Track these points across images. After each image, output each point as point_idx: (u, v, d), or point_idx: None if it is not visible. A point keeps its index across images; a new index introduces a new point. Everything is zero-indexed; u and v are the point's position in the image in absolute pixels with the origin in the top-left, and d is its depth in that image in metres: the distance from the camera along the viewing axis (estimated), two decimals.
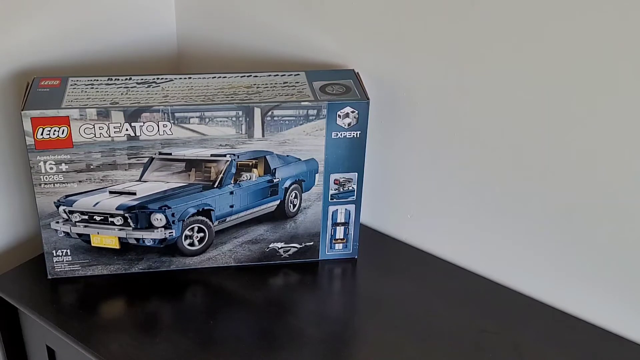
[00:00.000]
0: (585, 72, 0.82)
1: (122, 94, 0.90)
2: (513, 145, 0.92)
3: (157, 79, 0.94)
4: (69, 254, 0.95)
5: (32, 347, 1.02)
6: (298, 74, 0.97)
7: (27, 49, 1.00)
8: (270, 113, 0.90)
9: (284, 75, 0.97)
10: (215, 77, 0.95)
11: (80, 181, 0.90)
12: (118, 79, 0.93)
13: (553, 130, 0.87)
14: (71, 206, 0.92)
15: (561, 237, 0.93)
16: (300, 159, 0.94)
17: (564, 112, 0.86)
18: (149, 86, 0.92)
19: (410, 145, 1.01)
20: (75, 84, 0.91)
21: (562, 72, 0.84)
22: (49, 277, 0.96)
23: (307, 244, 1.01)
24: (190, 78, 0.95)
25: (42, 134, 0.86)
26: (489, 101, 0.91)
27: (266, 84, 0.94)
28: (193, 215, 0.94)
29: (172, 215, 0.93)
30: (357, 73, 0.98)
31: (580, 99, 0.84)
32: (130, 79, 0.93)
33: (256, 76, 0.96)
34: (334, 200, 0.98)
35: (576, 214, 0.90)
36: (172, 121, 0.88)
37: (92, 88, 0.91)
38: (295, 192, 0.97)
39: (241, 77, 0.96)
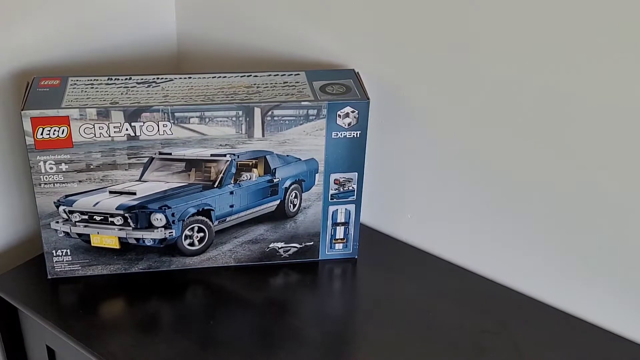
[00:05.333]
0: (585, 73, 0.82)
1: (122, 93, 0.90)
2: (513, 145, 0.92)
3: (157, 78, 0.94)
4: (69, 254, 0.95)
5: (32, 347, 1.02)
6: (298, 74, 0.97)
7: (27, 48, 1.00)
8: (270, 113, 0.90)
9: (284, 75, 0.96)
10: (215, 77, 0.95)
11: (80, 181, 0.90)
12: (118, 79, 0.93)
13: (553, 131, 0.87)
14: (71, 206, 0.92)
15: (561, 237, 0.92)
16: (300, 159, 0.94)
17: (564, 112, 0.86)
18: (149, 86, 0.92)
19: (410, 145, 1.01)
20: (75, 84, 0.91)
21: (562, 73, 0.84)
22: (49, 277, 0.96)
23: (307, 244, 1.00)
24: (190, 78, 0.95)
25: (42, 134, 0.86)
26: (489, 101, 0.91)
27: (266, 83, 0.94)
28: (193, 215, 0.94)
29: (172, 215, 0.93)
30: (357, 73, 0.98)
31: (580, 99, 0.84)
32: (130, 78, 0.93)
33: (256, 76, 0.96)
34: (334, 200, 0.98)
35: (576, 214, 0.90)
36: (172, 121, 0.88)
37: (92, 88, 0.91)
38: (295, 192, 0.97)
39: (241, 77, 0.96)
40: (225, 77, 0.95)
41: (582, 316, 0.95)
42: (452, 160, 0.98)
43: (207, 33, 1.17)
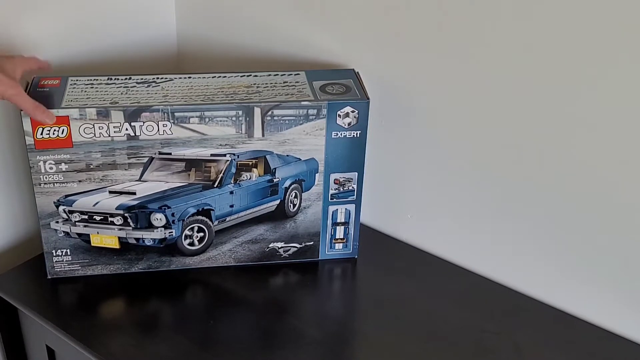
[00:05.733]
0: (586, 73, 0.82)
1: (121, 93, 0.90)
2: (513, 145, 0.91)
3: (157, 78, 0.94)
4: (68, 253, 0.95)
5: (32, 347, 1.02)
6: (298, 74, 0.97)
7: (26, 48, 0.99)
8: (270, 113, 0.90)
9: (284, 75, 0.96)
10: (215, 76, 0.95)
11: (80, 181, 0.90)
12: (118, 79, 0.93)
13: (552, 131, 0.87)
14: (71, 206, 0.92)
15: (561, 237, 0.92)
16: (300, 159, 0.94)
17: (562, 113, 0.85)
18: (148, 86, 0.92)
19: (410, 145, 1.01)
20: (75, 84, 0.91)
21: (561, 75, 0.84)
22: (49, 276, 0.96)
23: (307, 243, 1.00)
24: (190, 78, 0.95)
25: (41, 134, 0.86)
26: (488, 102, 0.91)
27: (266, 83, 0.94)
28: (193, 215, 0.94)
29: (172, 215, 0.93)
30: (357, 72, 0.98)
31: (579, 100, 0.84)
32: (130, 78, 0.93)
33: (256, 76, 0.96)
34: (334, 200, 0.98)
35: (576, 214, 0.90)
36: (172, 121, 0.88)
37: (92, 88, 0.91)
38: (295, 192, 0.96)
39: (241, 76, 0.95)
40: (225, 77, 0.95)
41: (582, 316, 0.94)
42: (452, 160, 0.98)
43: (206, 33, 1.17)
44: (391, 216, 1.08)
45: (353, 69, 0.99)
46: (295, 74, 0.97)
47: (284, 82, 0.94)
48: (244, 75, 0.96)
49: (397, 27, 0.95)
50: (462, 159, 0.97)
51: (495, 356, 0.88)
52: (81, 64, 1.07)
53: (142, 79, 0.93)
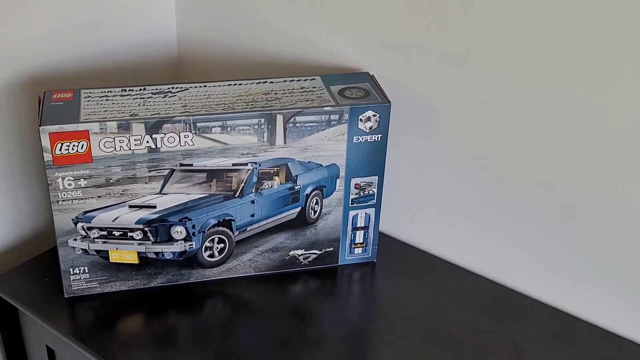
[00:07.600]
0: (587, 74, 0.82)
1: (139, 105, 0.87)
2: (514, 146, 0.91)
3: (173, 88, 0.91)
4: (86, 271, 0.92)
5: (32, 347, 1.01)
6: (314, 79, 0.95)
7: (22, 54, 0.97)
8: (292, 120, 0.89)
9: (300, 80, 0.95)
10: (230, 84, 0.93)
11: (99, 196, 0.88)
12: (132, 90, 0.90)
13: (554, 132, 0.87)
14: (90, 222, 0.89)
15: (561, 237, 0.93)
16: (321, 165, 0.93)
17: (566, 115, 0.85)
18: (165, 96, 0.90)
19: (411, 145, 1.00)
20: (89, 96, 0.89)
21: (564, 77, 0.83)
22: (66, 295, 0.93)
23: (327, 249, 0.99)
24: (205, 86, 0.92)
25: (60, 150, 0.83)
26: (490, 103, 0.91)
27: (283, 89, 0.93)
28: (214, 226, 0.92)
29: (193, 227, 0.91)
30: (372, 76, 0.97)
31: (580, 101, 0.84)
32: (144, 89, 0.91)
33: (272, 82, 0.94)
34: (354, 204, 0.97)
35: (576, 214, 0.90)
36: (193, 131, 0.86)
37: (108, 100, 0.88)
38: (316, 199, 0.95)
39: (257, 83, 0.94)
40: (240, 84, 0.94)
41: (582, 316, 0.95)
42: (453, 160, 0.97)
43: (207, 37, 1.14)
44: (391, 216, 1.07)
45: (368, 72, 0.98)
46: (311, 79, 0.95)
47: (301, 88, 0.93)
48: (260, 82, 0.94)
49: (401, 28, 0.94)
50: (463, 159, 0.96)
51: (495, 356, 0.88)
52: (80, 69, 1.05)
53: (157, 89, 0.91)
